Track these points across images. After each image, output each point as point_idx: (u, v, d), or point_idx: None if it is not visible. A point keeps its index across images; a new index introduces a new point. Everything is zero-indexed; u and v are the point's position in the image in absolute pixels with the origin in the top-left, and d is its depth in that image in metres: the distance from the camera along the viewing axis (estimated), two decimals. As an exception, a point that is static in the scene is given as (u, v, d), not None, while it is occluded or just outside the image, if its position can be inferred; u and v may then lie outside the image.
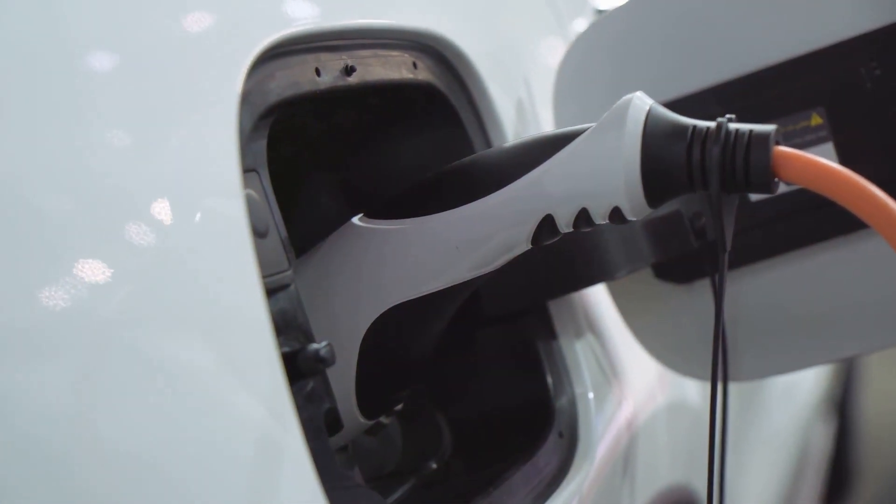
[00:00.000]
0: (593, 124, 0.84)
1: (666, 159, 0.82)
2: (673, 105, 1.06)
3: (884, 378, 3.34)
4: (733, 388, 1.67)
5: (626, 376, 1.14)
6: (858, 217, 0.79)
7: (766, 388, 2.00)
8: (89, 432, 0.61)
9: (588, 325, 1.11)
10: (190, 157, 0.71)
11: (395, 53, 0.95)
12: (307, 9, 0.88)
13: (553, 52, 1.20)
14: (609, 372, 1.11)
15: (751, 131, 0.81)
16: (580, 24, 1.35)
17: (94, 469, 0.61)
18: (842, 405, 2.94)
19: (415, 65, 0.97)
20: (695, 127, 0.82)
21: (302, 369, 0.79)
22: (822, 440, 2.71)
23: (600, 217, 0.84)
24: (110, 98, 0.68)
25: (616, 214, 0.84)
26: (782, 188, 1.04)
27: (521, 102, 1.11)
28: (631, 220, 0.84)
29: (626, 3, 1.13)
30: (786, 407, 2.26)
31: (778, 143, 0.82)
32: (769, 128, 0.81)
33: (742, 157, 0.81)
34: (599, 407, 1.06)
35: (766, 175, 0.81)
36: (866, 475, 3.03)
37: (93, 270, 0.63)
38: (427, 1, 1.04)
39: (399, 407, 1.01)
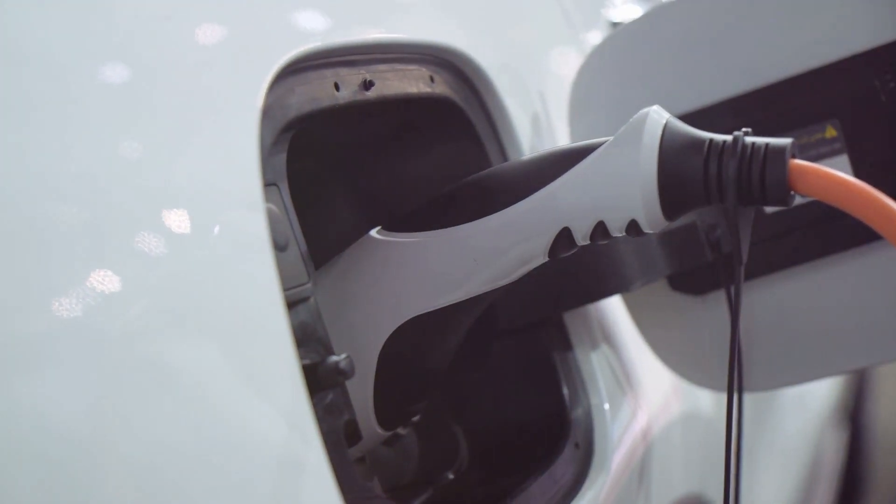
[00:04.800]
0: (610, 138, 0.85)
1: (683, 173, 0.82)
2: (688, 118, 1.07)
3: (896, 387, 3.34)
4: (747, 397, 1.68)
5: (641, 387, 1.15)
6: (874, 229, 0.79)
7: (779, 398, 2.00)
8: (109, 443, 0.62)
9: (603, 336, 1.11)
10: (213, 171, 0.72)
11: (412, 67, 0.96)
12: (326, 24, 0.88)
13: (568, 65, 1.21)
14: (624, 383, 1.12)
15: (767, 145, 0.82)
16: (594, 37, 1.36)
17: (113, 480, 0.62)
18: (854, 414, 2.94)
19: (432, 79, 0.98)
20: (711, 140, 0.83)
21: (322, 381, 0.79)
22: (834, 449, 2.70)
23: (617, 230, 0.85)
24: (136, 112, 0.69)
25: (633, 227, 0.84)
26: (797, 200, 1.05)
27: (536, 115, 1.11)
28: (647, 233, 0.85)
29: (641, 16, 1.14)
30: (798, 416, 2.26)
31: (794, 157, 0.82)
32: (785, 141, 0.82)
33: (758, 170, 0.81)
34: (615, 417, 1.07)
35: (782, 188, 0.81)
36: (879, 485, 3.03)
37: (117, 282, 0.64)
38: (444, 15, 1.05)
39: (416, 418, 1.02)
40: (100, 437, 0.62)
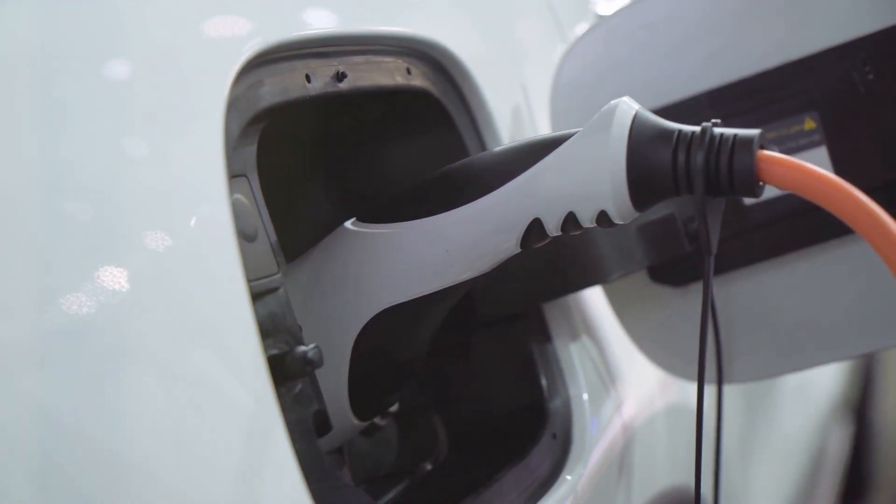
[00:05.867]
0: (581, 129, 0.85)
1: (651, 163, 0.83)
2: (668, 110, 1.08)
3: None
4: (741, 389, 1.68)
5: (622, 379, 1.15)
6: (840, 219, 0.80)
7: (779, 390, 1.99)
8: (75, 435, 0.62)
9: (583, 327, 1.11)
10: (175, 162, 0.72)
11: (388, 59, 0.96)
12: (298, 16, 0.89)
13: (552, 57, 1.21)
14: (605, 374, 1.12)
15: (735, 135, 0.82)
16: (581, 29, 1.36)
17: (81, 470, 0.62)
18: (859, 408, 2.93)
19: (409, 70, 0.98)
20: (680, 131, 0.83)
21: (290, 371, 0.80)
22: (838, 444, 2.69)
23: (588, 221, 0.85)
24: (95, 104, 0.69)
25: (603, 218, 0.85)
26: (776, 192, 1.05)
27: (517, 107, 1.11)
28: (618, 224, 0.85)
29: (623, 7, 1.14)
30: (800, 410, 2.24)
31: (763, 147, 0.82)
32: (754, 132, 0.82)
33: (726, 160, 0.81)
34: (594, 409, 1.07)
35: (749, 179, 0.81)
36: (884, 480, 3.02)
37: (75, 276, 0.64)
38: (422, 7, 1.05)
39: (394, 408, 1.02)
40: (68, 428, 0.62)
